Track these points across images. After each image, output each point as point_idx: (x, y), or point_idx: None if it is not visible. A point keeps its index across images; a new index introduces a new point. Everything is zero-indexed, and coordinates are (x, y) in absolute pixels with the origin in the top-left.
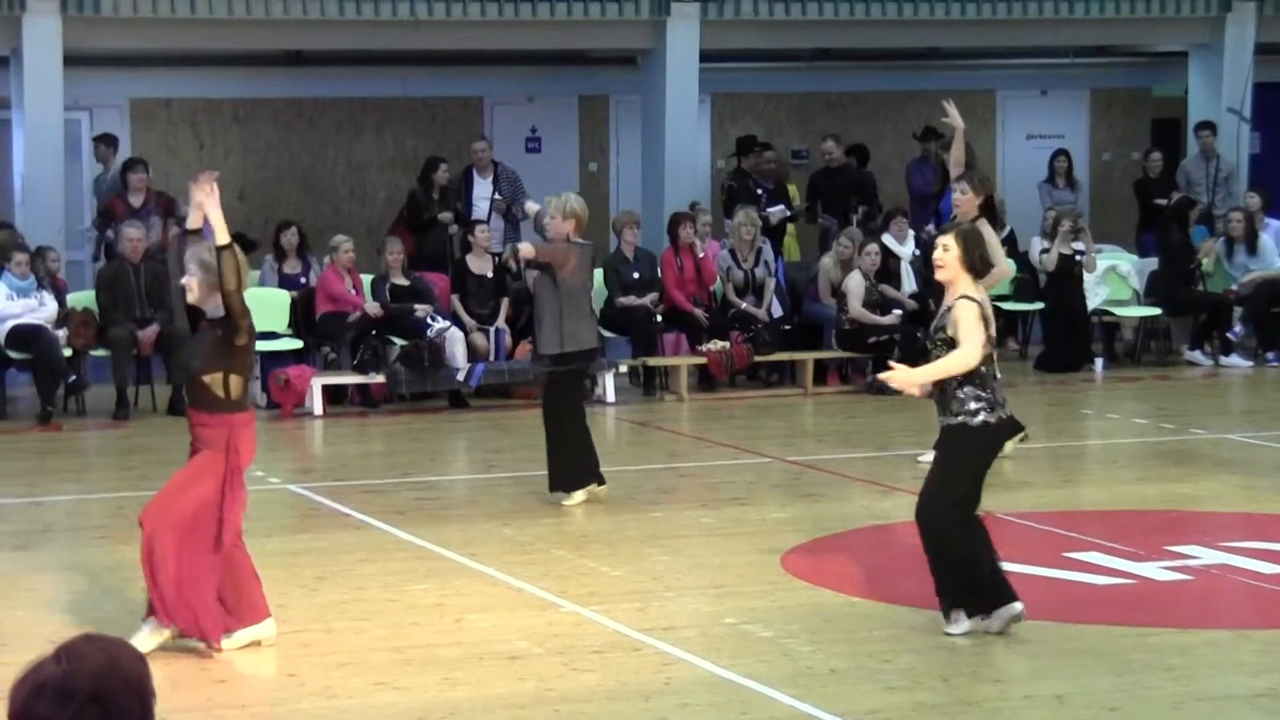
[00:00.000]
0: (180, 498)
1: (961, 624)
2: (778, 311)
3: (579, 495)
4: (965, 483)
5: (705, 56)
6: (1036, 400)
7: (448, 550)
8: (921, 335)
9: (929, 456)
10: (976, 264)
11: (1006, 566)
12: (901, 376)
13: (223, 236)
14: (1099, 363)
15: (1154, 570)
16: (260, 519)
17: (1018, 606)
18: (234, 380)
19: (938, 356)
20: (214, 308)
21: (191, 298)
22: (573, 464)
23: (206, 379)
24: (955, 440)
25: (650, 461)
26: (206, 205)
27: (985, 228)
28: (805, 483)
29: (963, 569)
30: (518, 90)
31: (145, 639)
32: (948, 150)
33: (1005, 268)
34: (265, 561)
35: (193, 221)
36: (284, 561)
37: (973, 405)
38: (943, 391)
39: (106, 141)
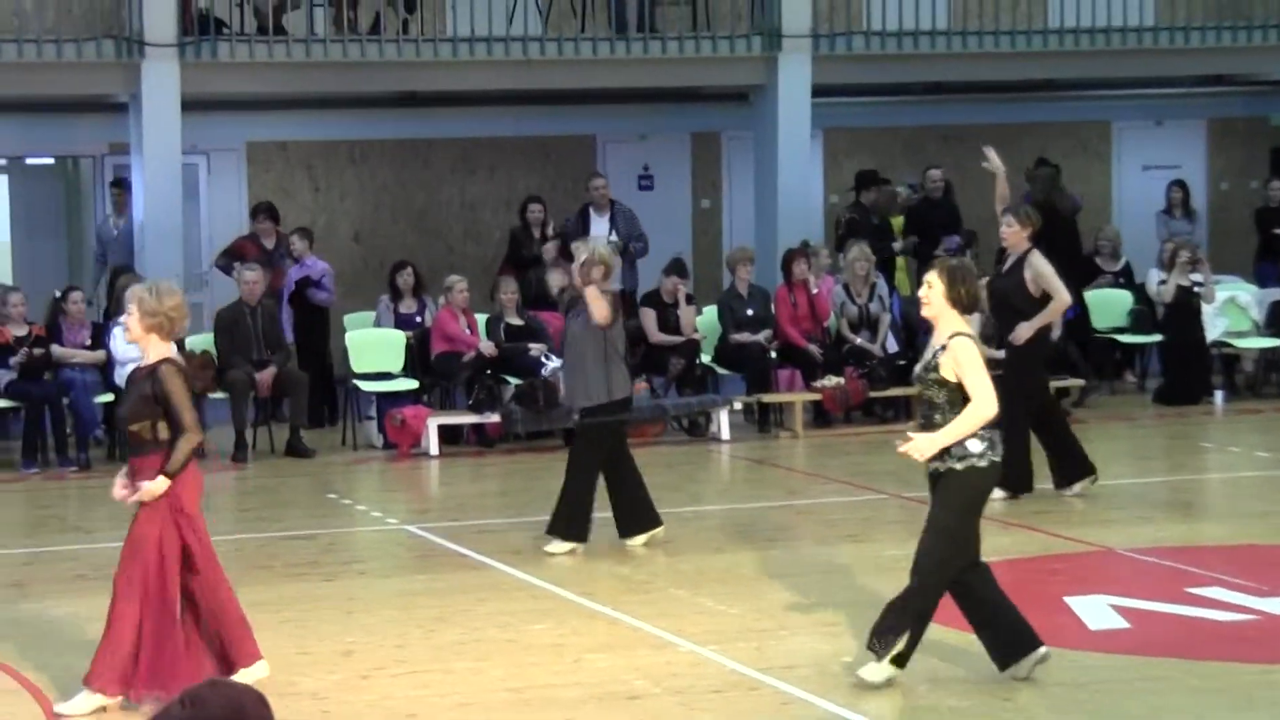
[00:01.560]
0: (136, 559)
1: (879, 671)
2: (893, 346)
3: (565, 546)
4: (971, 527)
5: (817, 91)
6: (1156, 433)
7: (564, 590)
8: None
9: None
10: (962, 299)
11: (1129, 603)
12: (921, 446)
13: (160, 489)
14: (1219, 395)
15: (1278, 605)
16: (378, 559)
17: (1042, 650)
18: (162, 425)
19: (928, 396)
20: (149, 353)
21: (129, 337)
22: (585, 513)
23: (135, 427)
24: (959, 484)
25: (766, 499)
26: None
27: (1038, 258)
28: (921, 519)
29: (924, 614)
30: (630, 128)
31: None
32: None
33: (1063, 299)
34: (383, 602)
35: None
36: (402, 602)
37: (978, 446)
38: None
39: (122, 185)
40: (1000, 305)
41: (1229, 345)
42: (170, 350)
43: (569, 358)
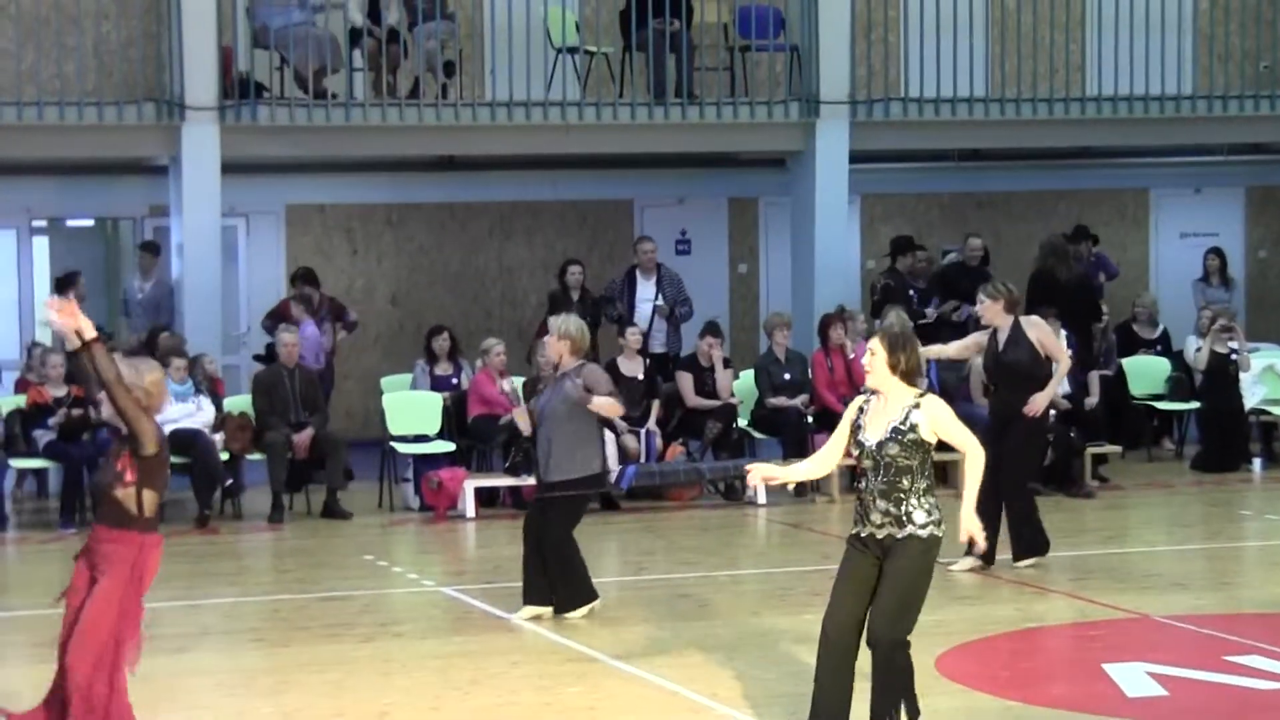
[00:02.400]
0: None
1: None
2: None
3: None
4: (923, 595)
5: (855, 157)
6: (1194, 501)
7: (600, 653)
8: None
9: (962, 564)
10: (902, 365)
11: (1167, 670)
12: (973, 527)
13: (88, 333)
14: (1257, 463)
15: None
16: (414, 621)
17: None
18: (147, 495)
19: (901, 461)
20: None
21: (106, 412)
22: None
23: (119, 494)
24: (913, 552)
25: (802, 563)
26: (64, 323)
27: (1040, 322)
28: (958, 585)
29: (904, 684)
30: (668, 192)
31: None
32: (1096, 244)
33: (1066, 362)
34: (418, 664)
35: (73, 342)
36: (437, 664)
37: (931, 515)
38: (898, 503)
39: (152, 250)
40: (1012, 379)
41: (1267, 413)
42: None
43: (547, 431)
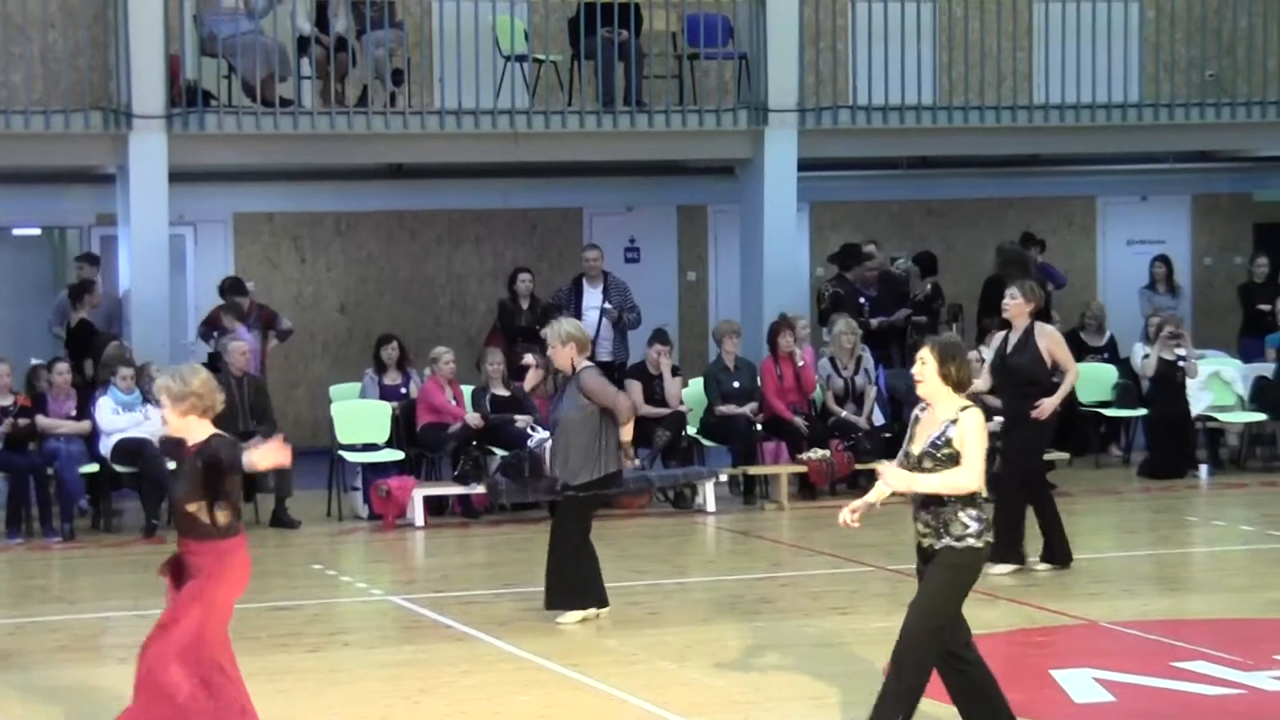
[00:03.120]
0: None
1: None
2: (879, 419)
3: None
4: (957, 606)
5: (803, 165)
6: (1141, 507)
7: (550, 662)
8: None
9: (1000, 569)
10: (952, 376)
11: (1114, 676)
12: (898, 478)
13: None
14: (1204, 469)
15: (1263, 680)
16: (363, 630)
17: None
18: (219, 509)
19: (937, 471)
20: (193, 434)
21: (171, 430)
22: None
23: (191, 508)
24: (954, 562)
25: (751, 571)
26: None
27: (1051, 329)
28: (907, 592)
29: (915, 691)
30: (617, 200)
31: None
32: (1042, 250)
33: (1076, 369)
34: (367, 674)
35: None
36: (387, 673)
37: (975, 527)
38: (936, 513)
39: (90, 261)
40: (1015, 381)
41: (1214, 419)
42: (212, 429)
43: (560, 435)
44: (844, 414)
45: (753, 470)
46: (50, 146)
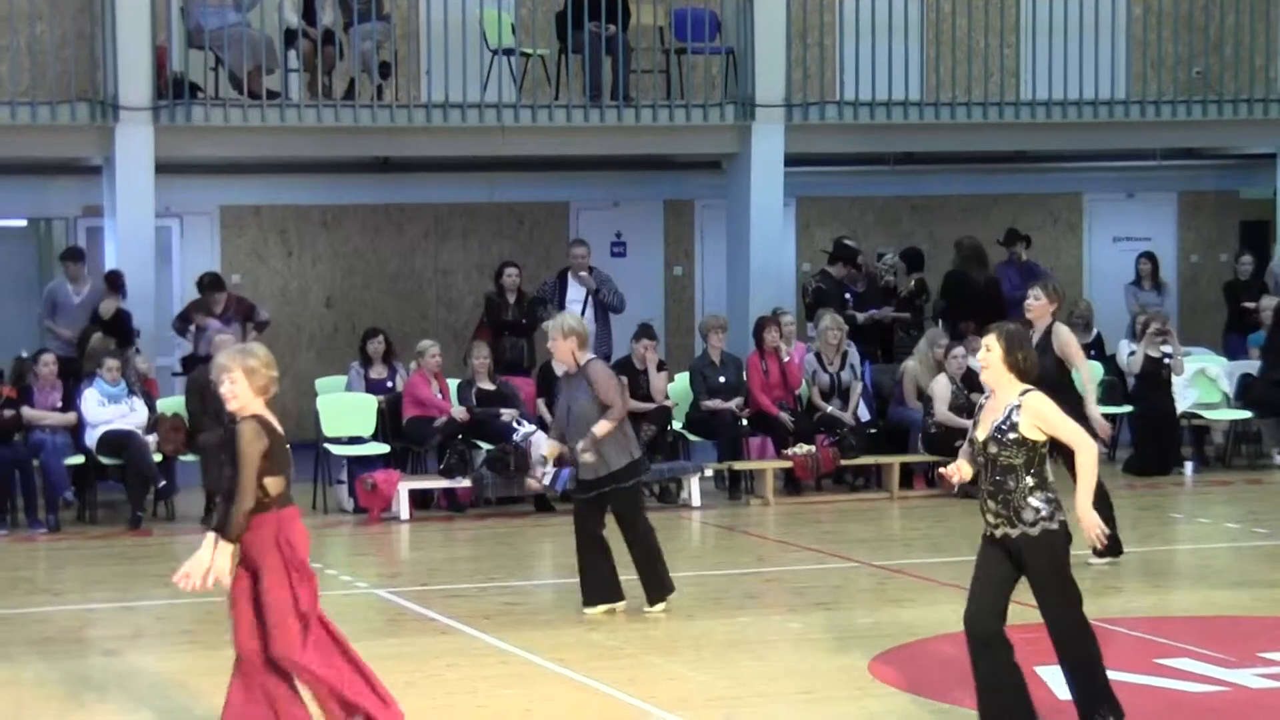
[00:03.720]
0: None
1: None
2: (864, 415)
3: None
4: (1070, 579)
5: (790, 161)
6: (1126, 504)
7: (535, 655)
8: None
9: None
10: (1019, 364)
11: None
12: (1091, 524)
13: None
14: (1189, 466)
15: (1247, 677)
16: (346, 623)
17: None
18: (269, 481)
19: (1004, 460)
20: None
21: (233, 407)
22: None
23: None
24: (1044, 549)
25: (736, 566)
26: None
27: (1065, 330)
28: (893, 587)
29: (1097, 670)
30: (603, 195)
31: None
32: (1028, 246)
33: (1087, 369)
34: None
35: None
36: (371, 667)
37: (1047, 510)
38: (1005, 501)
39: (75, 257)
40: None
41: (1199, 417)
42: (259, 407)
43: (579, 429)
44: (830, 409)
45: (738, 465)
46: (36, 138)
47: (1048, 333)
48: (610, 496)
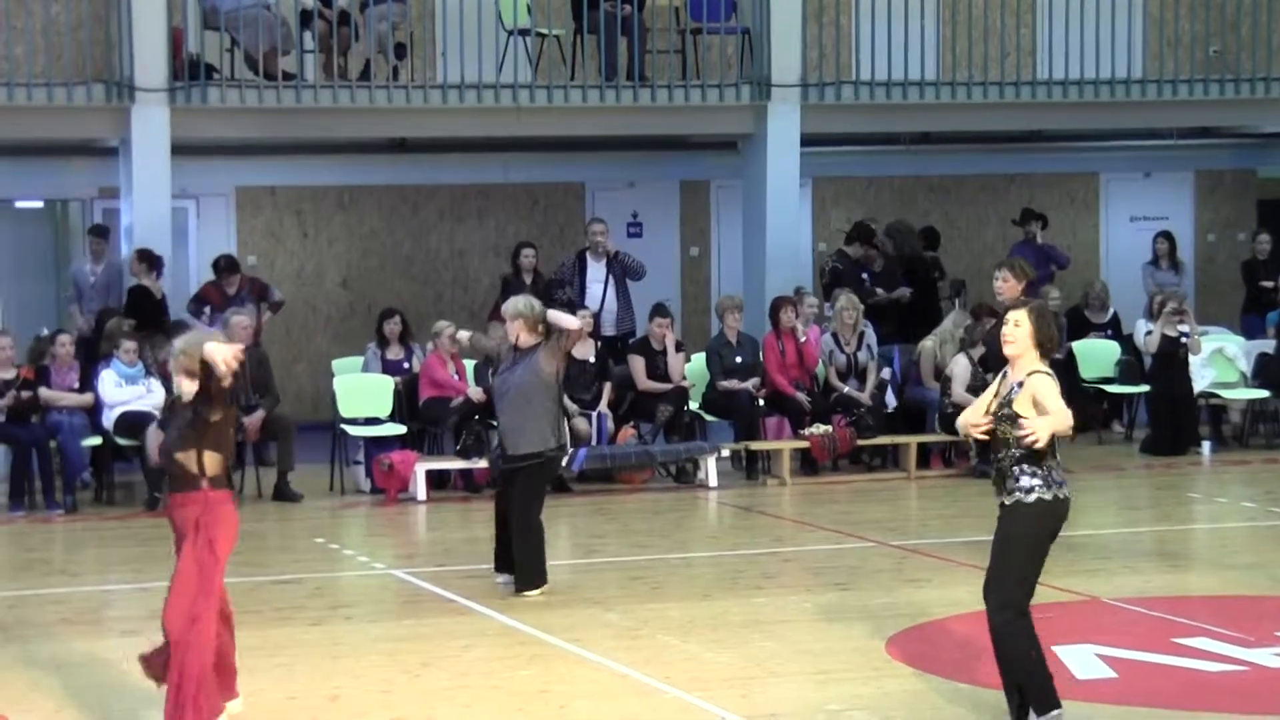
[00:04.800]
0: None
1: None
2: (891, 401)
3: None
4: (1025, 561)
5: (806, 141)
6: (1142, 484)
7: (551, 636)
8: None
9: None
10: (1046, 341)
11: (1115, 652)
12: (1037, 428)
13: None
14: (1206, 446)
15: (1265, 657)
16: (364, 604)
17: (1059, 714)
18: (208, 457)
19: (1003, 433)
20: (190, 392)
21: (179, 387)
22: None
23: (179, 456)
24: (1011, 519)
25: (753, 546)
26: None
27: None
28: (909, 567)
29: (1025, 663)
30: (619, 175)
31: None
32: (1044, 226)
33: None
34: (369, 647)
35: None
36: (388, 647)
37: (1026, 481)
38: (998, 471)
39: (101, 234)
40: (1002, 364)
41: (1216, 396)
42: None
43: (515, 404)
44: (846, 389)
45: (755, 446)
46: (53, 119)
47: None
48: (520, 474)
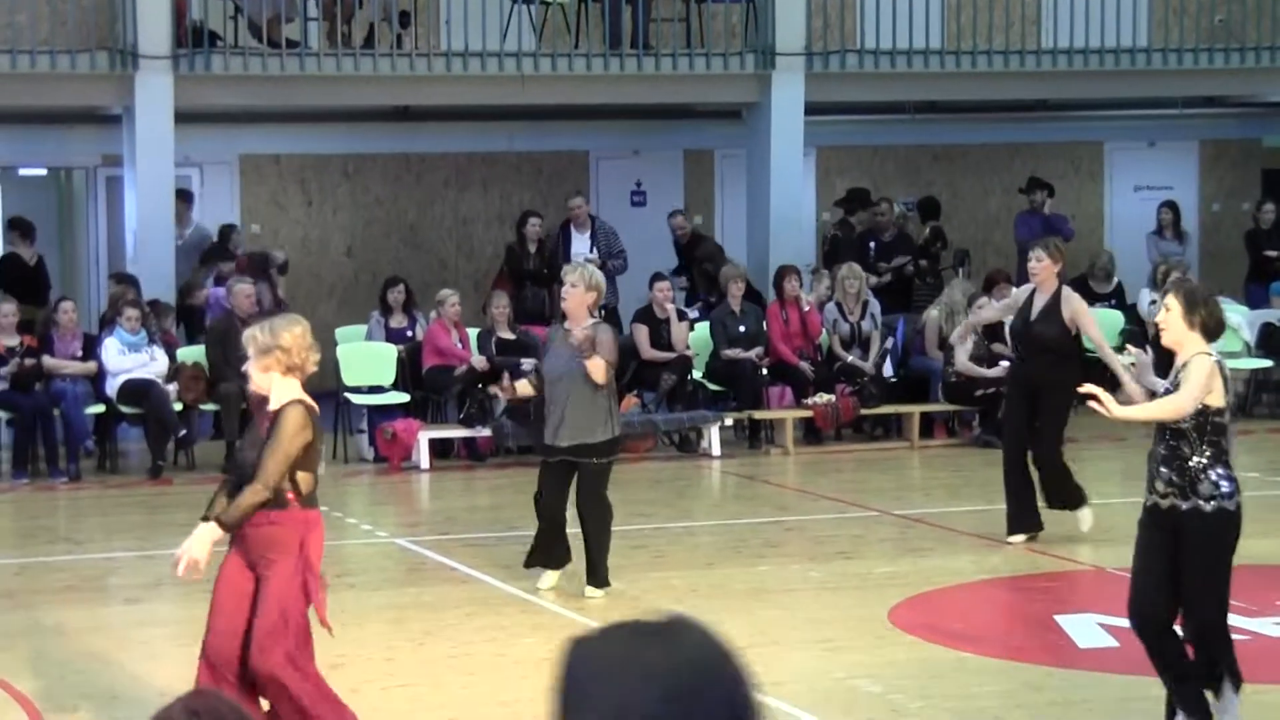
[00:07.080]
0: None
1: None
2: (888, 370)
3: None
4: (1222, 577)
5: (810, 109)
6: (1145, 453)
7: (554, 604)
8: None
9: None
10: (1199, 322)
11: (1118, 622)
12: (1112, 407)
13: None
14: None
15: (1267, 626)
16: (367, 572)
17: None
18: (301, 477)
19: (1174, 424)
20: (275, 399)
21: (252, 386)
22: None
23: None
24: (1215, 528)
25: (756, 515)
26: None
27: (1076, 297)
28: (912, 537)
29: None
30: (623, 145)
31: None
32: (1051, 195)
33: (1100, 337)
34: (372, 615)
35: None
36: (391, 615)
37: (1227, 487)
38: (1181, 471)
39: (185, 198)
40: (1035, 348)
41: None
42: (298, 390)
43: (571, 392)
44: (850, 359)
45: (758, 415)
46: (56, 87)
47: (1056, 297)
48: (585, 467)
